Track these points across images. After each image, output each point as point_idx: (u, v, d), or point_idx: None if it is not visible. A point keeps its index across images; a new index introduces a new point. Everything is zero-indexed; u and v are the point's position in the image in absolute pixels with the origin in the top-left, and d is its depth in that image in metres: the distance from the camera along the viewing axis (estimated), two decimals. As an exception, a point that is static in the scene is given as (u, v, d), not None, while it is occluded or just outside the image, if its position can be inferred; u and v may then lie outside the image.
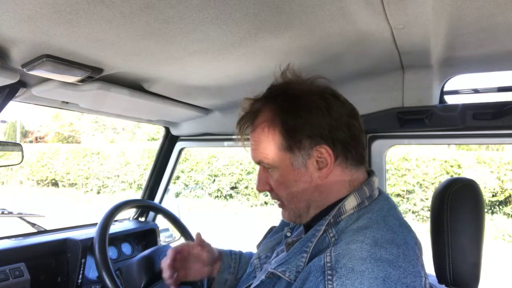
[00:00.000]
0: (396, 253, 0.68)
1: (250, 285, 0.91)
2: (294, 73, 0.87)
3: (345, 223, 0.78)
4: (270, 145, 0.84)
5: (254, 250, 1.12)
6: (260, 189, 0.91)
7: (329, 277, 0.65)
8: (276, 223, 1.14)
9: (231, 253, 1.23)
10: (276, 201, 0.92)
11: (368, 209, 0.80)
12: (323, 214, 0.83)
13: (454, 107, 1.35)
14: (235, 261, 1.20)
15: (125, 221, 2.05)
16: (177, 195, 11.62)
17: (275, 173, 0.85)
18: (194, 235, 1.79)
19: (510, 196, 8.67)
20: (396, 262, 0.66)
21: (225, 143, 1.95)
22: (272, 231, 1.11)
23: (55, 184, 14.23)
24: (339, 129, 0.82)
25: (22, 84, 1.22)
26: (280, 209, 0.92)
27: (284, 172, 0.84)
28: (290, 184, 0.84)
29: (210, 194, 11.54)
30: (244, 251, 1.28)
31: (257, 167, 0.91)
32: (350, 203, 0.80)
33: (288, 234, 1.00)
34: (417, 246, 0.77)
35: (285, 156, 0.83)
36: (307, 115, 0.81)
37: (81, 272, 1.57)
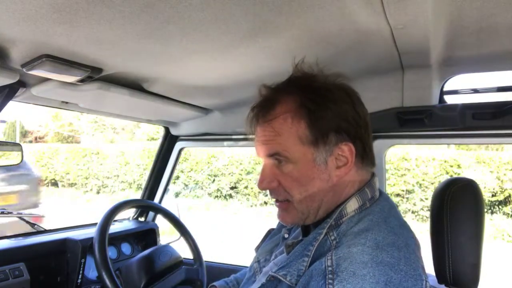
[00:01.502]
0: (397, 256, 0.68)
1: None
2: (316, 67, 0.83)
3: (346, 225, 0.77)
4: (293, 137, 0.78)
5: (253, 252, 1.11)
6: (264, 187, 0.83)
7: (330, 281, 0.64)
8: (276, 223, 1.13)
9: (227, 283, 1.18)
10: (275, 201, 0.85)
11: (369, 210, 0.79)
12: (324, 216, 0.82)
13: (454, 107, 1.35)
14: None
15: (124, 221, 2.05)
16: (177, 195, 11.62)
17: (290, 168, 0.79)
18: (194, 235, 1.80)
19: (509, 196, 8.67)
20: (397, 265, 0.66)
21: (225, 143, 1.94)
22: (270, 233, 1.10)
23: (54, 184, 14.21)
24: (362, 127, 0.80)
25: (21, 84, 1.22)
26: (280, 213, 0.85)
27: (303, 167, 0.78)
28: (306, 182, 0.79)
29: (209, 194, 11.54)
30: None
31: (257, 168, 0.88)
32: (352, 206, 0.79)
33: (286, 235, 0.98)
34: (416, 247, 0.77)
35: (308, 150, 0.78)
36: (335, 108, 0.78)
37: (80, 272, 1.56)
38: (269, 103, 0.82)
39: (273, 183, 0.82)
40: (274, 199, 0.86)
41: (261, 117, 0.82)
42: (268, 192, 0.85)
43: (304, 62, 0.83)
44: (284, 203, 0.83)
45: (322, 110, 0.78)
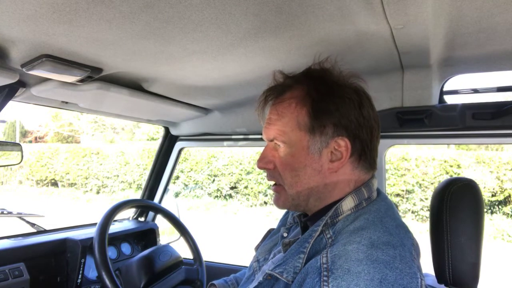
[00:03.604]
0: (392, 254, 0.67)
1: None
2: (332, 64, 0.86)
3: (342, 224, 0.77)
4: (292, 121, 0.82)
5: (253, 251, 1.11)
6: (261, 166, 0.87)
7: (325, 278, 0.65)
8: (275, 223, 1.13)
9: (226, 282, 1.19)
10: (271, 184, 0.89)
11: (366, 210, 0.80)
12: (320, 214, 0.82)
13: (454, 107, 1.35)
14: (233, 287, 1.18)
15: (124, 221, 2.05)
16: (177, 195, 11.63)
17: (286, 151, 0.83)
18: (193, 235, 1.80)
19: (509, 196, 8.68)
20: (392, 263, 0.66)
21: (225, 143, 1.95)
22: (270, 233, 1.11)
23: (54, 184, 14.22)
24: (363, 128, 0.82)
25: (21, 84, 1.22)
26: (274, 197, 0.89)
27: (296, 152, 0.82)
28: (298, 167, 0.82)
29: (209, 194, 11.55)
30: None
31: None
32: (347, 204, 0.80)
33: (285, 234, 0.99)
34: (413, 247, 0.76)
35: (304, 137, 0.81)
36: (340, 103, 0.80)
37: (80, 272, 1.57)
38: (283, 87, 0.86)
39: (269, 164, 0.87)
40: (271, 184, 0.90)
41: (271, 99, 0.87)
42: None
43: (328, 59, 0.87)
44: (277, 187, 0.87)
45: (325, 102, 0.80)
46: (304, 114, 0.81)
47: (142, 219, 2.12)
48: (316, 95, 0.81)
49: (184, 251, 1.75)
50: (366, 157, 0.84)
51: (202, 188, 11.62)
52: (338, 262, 0.66)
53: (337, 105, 0.80)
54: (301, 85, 0.84)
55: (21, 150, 1.55)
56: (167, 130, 2.08)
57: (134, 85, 1.37)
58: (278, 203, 0.89)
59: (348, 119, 0.80)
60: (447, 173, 9.08)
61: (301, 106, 0.82)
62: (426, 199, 8.95)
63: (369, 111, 0.84)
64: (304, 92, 0.83)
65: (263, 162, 0.87)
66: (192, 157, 11.82)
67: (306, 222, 0.90)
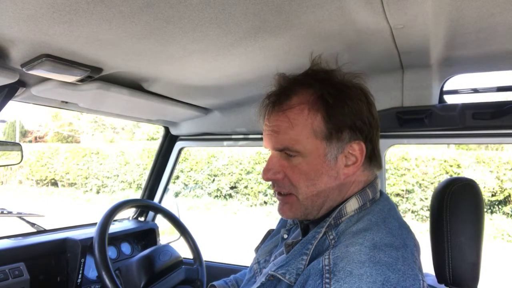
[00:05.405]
0: (395, 256, 0.67)
1: None
2: (329, 64, 0.82)
3: (345, 225, 0.76)
4: (307, 129, 0.76)
5: (253, 251, 1.11)
6: (269, 177, 0.81)
7: (327, 280, 0.64)
8: (275, 223, 1.13)
9: (226, 283, 1.17)
10: (277, 194, 0.83)
11: (369, 210, 0.79)
12: (323, 216, 0.82)
13: (454, 106, 1.35)
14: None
15: (124, 221, 2.05)
16: (177, 194, 11.63)
17: (300, 160, 0.78)
18: (193, 235, 1.80)
19: (509, 195, 8.67)
20: (395, 265, 0.65)
21: (225, 143, 1.95)
22: (270, 234, 1.10)
23: (54, 183, 14.21)
24: (373, 128, 0.80)
25: (21, 83, 1.22)
26: (282, 207, 0.83)
27: (312, 161, 0.77)
28: (315, 176, 0.78)
29: (209, 194, 11.54)
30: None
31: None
32: (352, 206, 0.79)
33: (285, 236, 0.97)
34: (415, 248, 0.76)
35: (321, 144, 0.77)
36: (353, 105, 0.77)
37: (80, 271, 1.57)
38: (285, 92, 0.80)
39: (278, 175, 0.81)
40: (276, 192, 0.84)
41: (277, 105, 0.80)
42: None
43: (321, 58, 0.83)
44: (287, 197, 0.82)
45: (339, 106, 0.77)
46: (319, 120, 0.76)
47: (142, 219, 2.12)
48: (328, 98, 0.76)
49: (184, 251, 1.75)
50: (376, 157, 0.83)
51: (202, 188, 11.62)
52: (340, 264, 0.65)
53: (350, 108, 0.77)
54: (308, 88, 0.79)
55: (21, 150, 1.55)
56: (167, 130, 2.08)
57: (134, 85, 1.37)
58: (288, 214, 0.83)
59: (362, 121, 0.78)
60: (447, 173, 9.08)
61: (315, 112, 0.76)
62: (426, 199, 8.95)
63: (374, 110, 0.83)
64: (314, 96, 0.77)
65: (271, 173, 0.81)
66: (192, 157, 11.82)
67: (308, 224, 0.89)
